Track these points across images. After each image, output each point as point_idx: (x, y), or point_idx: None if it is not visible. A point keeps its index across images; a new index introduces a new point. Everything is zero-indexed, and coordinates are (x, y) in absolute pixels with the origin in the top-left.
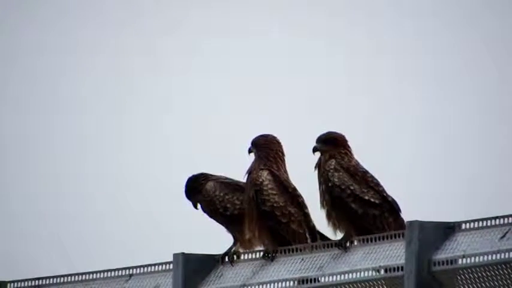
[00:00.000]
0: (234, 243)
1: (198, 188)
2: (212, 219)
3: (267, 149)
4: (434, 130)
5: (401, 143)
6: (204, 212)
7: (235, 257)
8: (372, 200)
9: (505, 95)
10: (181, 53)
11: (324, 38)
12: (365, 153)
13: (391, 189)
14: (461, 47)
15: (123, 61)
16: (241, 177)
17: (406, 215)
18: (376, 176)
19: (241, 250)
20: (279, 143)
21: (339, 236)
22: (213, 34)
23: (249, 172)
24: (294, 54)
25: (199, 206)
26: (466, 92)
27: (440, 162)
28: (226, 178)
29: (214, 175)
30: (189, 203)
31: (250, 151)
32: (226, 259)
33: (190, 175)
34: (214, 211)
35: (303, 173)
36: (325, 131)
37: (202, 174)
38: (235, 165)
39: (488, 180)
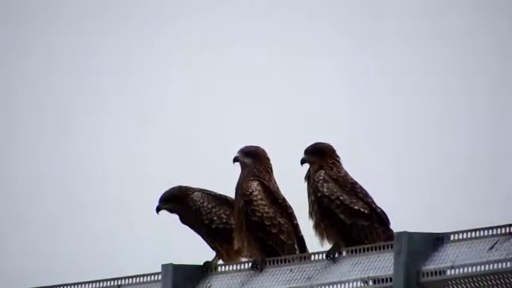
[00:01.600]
0: (217, 256)
1: (179, 197)
2: (193, 230)
3: (266, 160)
4: (424, 141)
5: (391, 153)
6: (183, 222)
7: (213, 269)
8: (362, 209)
9: (495, 97)
10: (176, 54)
11: (323, 39)
12: (354, 164)
13: (380, 200)
14: (459, 47)
15: (119, 62)
16: (232, 183)
17: (395, 226)
18: (364, 186)
19: (221, 262)
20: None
21: (326, 246)
22: (212, 37)
23: (239, 182)
24: (289, 58)
25: (161, 212)
26: (456, 97)
27: (429, 172)
28: (209, 191)
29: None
30: (156, 207)
31: (236, 160)
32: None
33: (175, 185)
34: (198, 221)
35: (292, 185)
36: (312, 142)
37: (184, 186)
38: (223, 173)
39: (476, 191)
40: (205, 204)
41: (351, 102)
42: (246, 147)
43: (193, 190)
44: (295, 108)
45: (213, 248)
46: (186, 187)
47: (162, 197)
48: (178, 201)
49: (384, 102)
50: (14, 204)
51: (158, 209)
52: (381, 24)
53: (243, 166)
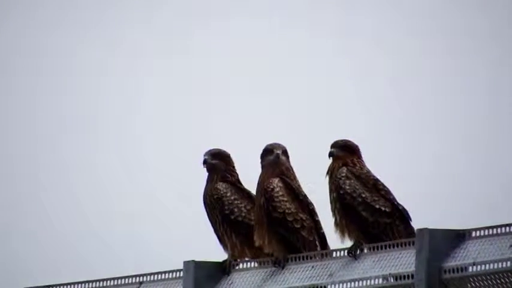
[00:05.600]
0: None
1: (225, 159)
2: (206, 213)
3: (288, 158)
4: (447, 137)
5: (411, 149)
6: (204, 203)
7: (231, 266)
8: (383, 208)
9: None
10: (180, 54)
11: (324, 38)
12: (374, 162)
13: (402, 197)
14: (459, 48)
15: (118, 62)
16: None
17: (416, 223)
18: (386, 183)
19: (235, 259)
20: None
21: (347, 243)
22: (211, 33)
23: (261, 179)
24: (295, 56)
25: (206, 160)
26: (477, 95)
27: (451, 169)
28: (241, 184)
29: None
30: (203, 158)
31: (278, 157)
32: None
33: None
34: (219, 210)
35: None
36: (340, 138)
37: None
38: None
39: (499, 188)
40: (228, 194)
41: (368, 97)
42: (278, 144)
43: (232, 173)
44: (298, 103)
45: (220, 240)
46: (232, 162)
47: (211, 151)
48: (223, 161)
49: (404, 99)
50: (43, 201)
51: (205, 162)
52: (403, 22)
53: (275, 163)
